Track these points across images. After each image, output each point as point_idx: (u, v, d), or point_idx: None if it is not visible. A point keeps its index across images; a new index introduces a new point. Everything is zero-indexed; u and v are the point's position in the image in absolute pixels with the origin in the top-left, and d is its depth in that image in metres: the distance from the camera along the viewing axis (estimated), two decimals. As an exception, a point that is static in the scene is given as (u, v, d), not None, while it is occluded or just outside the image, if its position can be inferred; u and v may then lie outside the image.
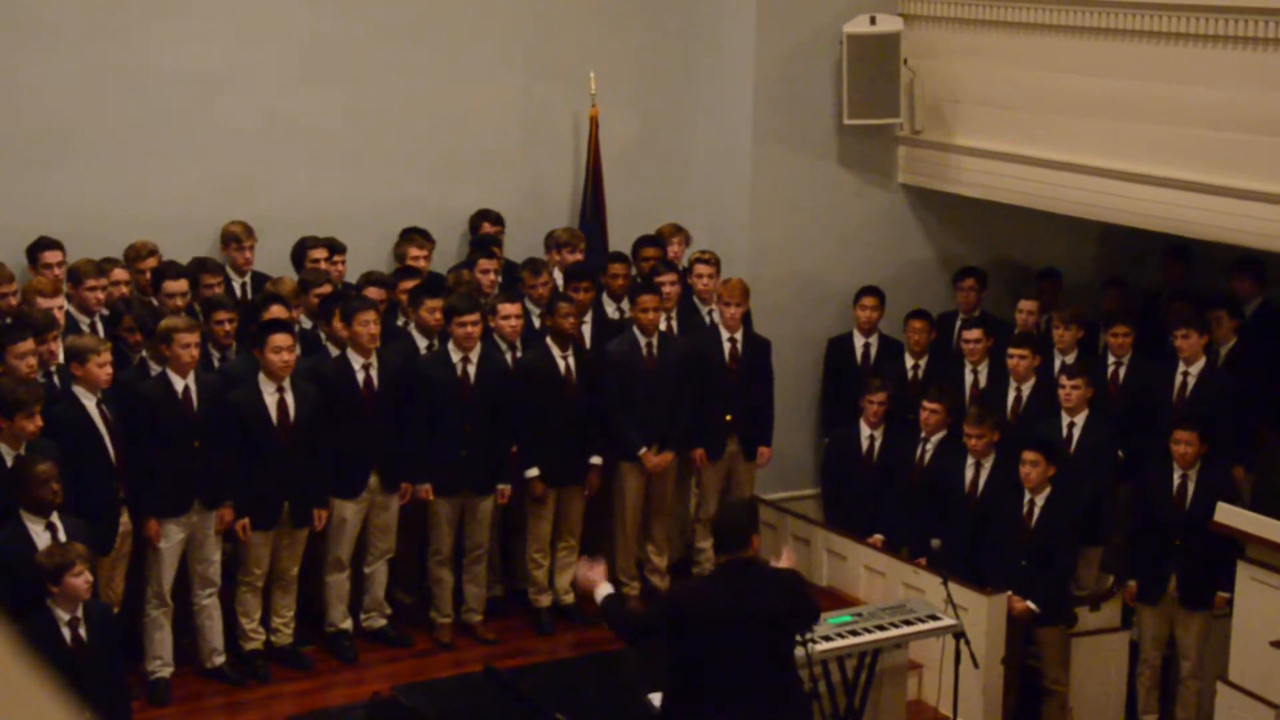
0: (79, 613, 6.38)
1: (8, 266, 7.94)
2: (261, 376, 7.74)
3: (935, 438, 8.93)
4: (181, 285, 8.21)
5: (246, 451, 7.75)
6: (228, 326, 8.04)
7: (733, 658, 5.62)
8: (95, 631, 6.43)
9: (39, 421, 6.88)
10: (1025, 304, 9.78)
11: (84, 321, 8.01)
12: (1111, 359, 9.28)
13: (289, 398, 7.79)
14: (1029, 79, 9.37)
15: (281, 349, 7.67)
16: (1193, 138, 8.41)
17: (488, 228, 9.49)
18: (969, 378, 9.43)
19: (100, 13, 8.62)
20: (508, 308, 8.53)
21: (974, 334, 9.43)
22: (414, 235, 9.20)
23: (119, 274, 8.28)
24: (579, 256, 9.37)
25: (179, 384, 7.53)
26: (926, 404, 8.93)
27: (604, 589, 6.08)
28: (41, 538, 6.65)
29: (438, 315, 8.38)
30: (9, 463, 6.85)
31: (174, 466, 7.53)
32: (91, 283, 8.00)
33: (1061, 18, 9.04)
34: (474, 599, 8.63)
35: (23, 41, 8.46)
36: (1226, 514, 7.78)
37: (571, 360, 8.61)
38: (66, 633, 6.34)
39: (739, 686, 5.61)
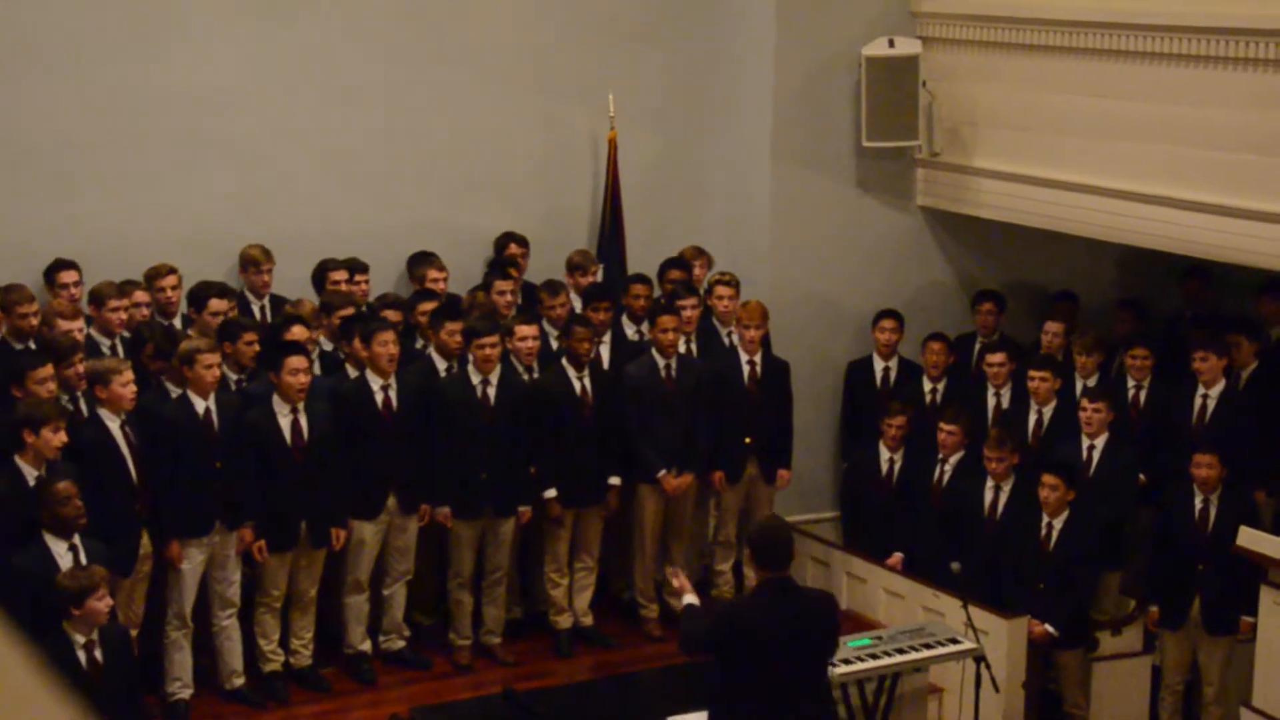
0: (95, 635, 6.39)
1: (28, 288, 7.99)
2: (275, 398, 7.77)
3: (953, 459, 8.91)
4: (223, 304, 8.26)
5: (263, 472, 7.77)
6: (256, 348, 8.04)
7: (771, 675, 5.76)
8: (111, 654, 6.44)
9: (63, 436, 6.91)
10: (1051, 326, 9.74)
11: (105, 344, 8.04)
12: (1131, 382, 9.24)
13: (303, 419, 7.81)
14: (1047, 101, 9.37)
15: (299, 371, 7.70)
16: (1211, 160, 8.39)
17: (514, 249, 9.51)
18: (991, 401, 9.40)
19: (118, 35, 8.67)
20: (524, 329, 8.54)
21: (997, 357, 9.41)
22: (431, 258, 9.22)
23: (139, 295, 8.31)
24: (592, 279, 9.39)
25: (200, 405, 7.55)
26: (943, 425, 8.92)
27: (687, 598, 6.25)
28: (64, 559, 6.68)
29: (458, 338, 8.39)
30: (31, 483, 6.88)
31: (195, 488, 7.56)
32: (114, 304, 8.02)
33: (1079, 41, 9.04)
34: (493, 621, 8.62)
35: (40, 64, 8.51)
36: (1249, 538, 7.73)
37: (587, 381, 8.61)
38: (82, 655, 6.35)
39: (776, 704, 5.75)
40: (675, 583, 6.58)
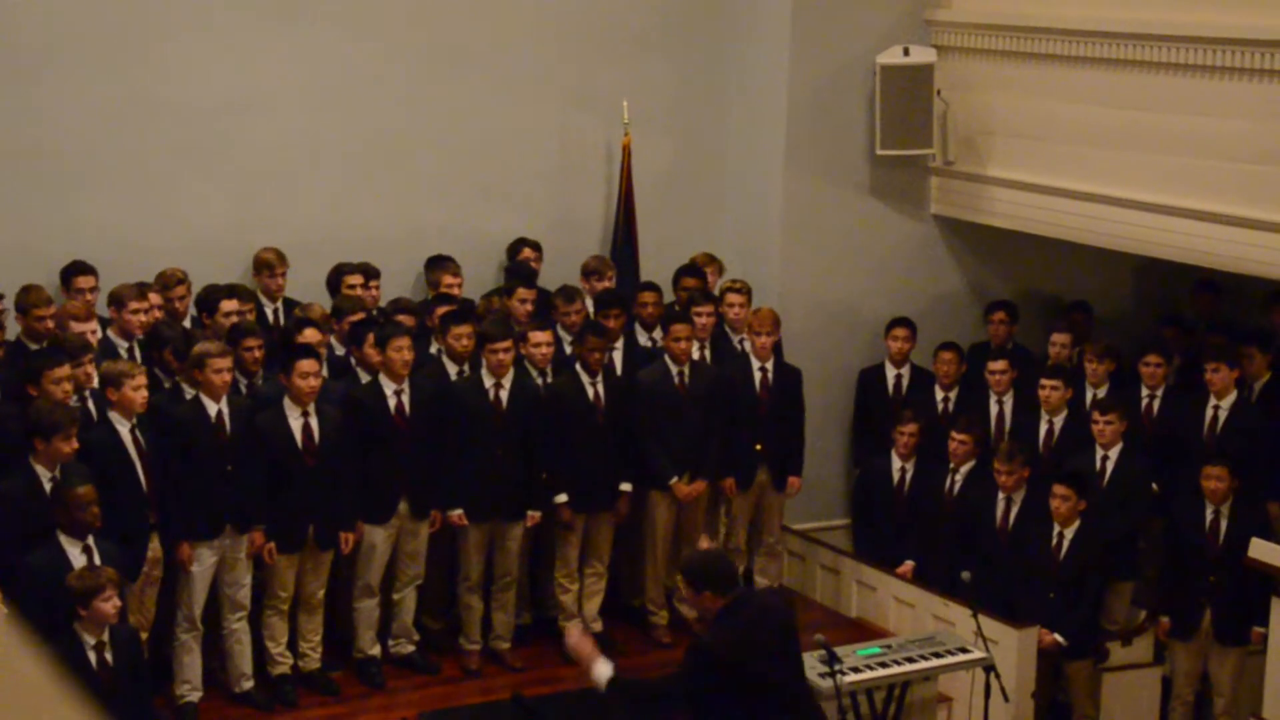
0: (105, 637, 6.41)
1: (46, 291, 8.02)
2: (287, 401, 7.79)
3: (964, 468, 8.90)
4: (234, 305, 8.28)
5: (273, 475, 7.79)
6: (256, 354, 8.08)
7: (771, 680, 5.74)
8: (121, 655, 6.47)
9: (75, 444, 6.94)
10: (1058, 337, 9.73)
11: (122, 346, 8.06)
12: (1145, 391, 9.22)
13: (313, 422, 7.83)
14: (1061, 111, 9.36)
15: (309, 375, 7.72)
16: (1225, 170, 8.38)
17: (527, 254, 9.52)
18: (994, 409, 9.40)
19: (130, 41, 8.71)
20: (538, 335, 8.56)
21: (999, 365, 9.41)
22: (447, 262, 9.24)
23: (154, 298, 8.34)
24: (608, 284, 9.40)
25: (211, 408, 7.58)
26: (955, 434, 8.91)
27: (603, 669, 5.81)
28: (78, 560, 6.71)
29: (464, 341, 8.41)
30: (46, 485, 6.91)
31: (206, 490, 7.58)
32: (134, 305, 8.06)
33: (1094, 50, 9.03)
34: (502, 626, 8.63)
35: (53, 70, 8.55)
36: (1260, 550, 7.72)
37: (600, 387, 8.62)
38: (92, 656, 6.38)
39: (777, 705, 5.73)
40: (574, 643, 6.01)
